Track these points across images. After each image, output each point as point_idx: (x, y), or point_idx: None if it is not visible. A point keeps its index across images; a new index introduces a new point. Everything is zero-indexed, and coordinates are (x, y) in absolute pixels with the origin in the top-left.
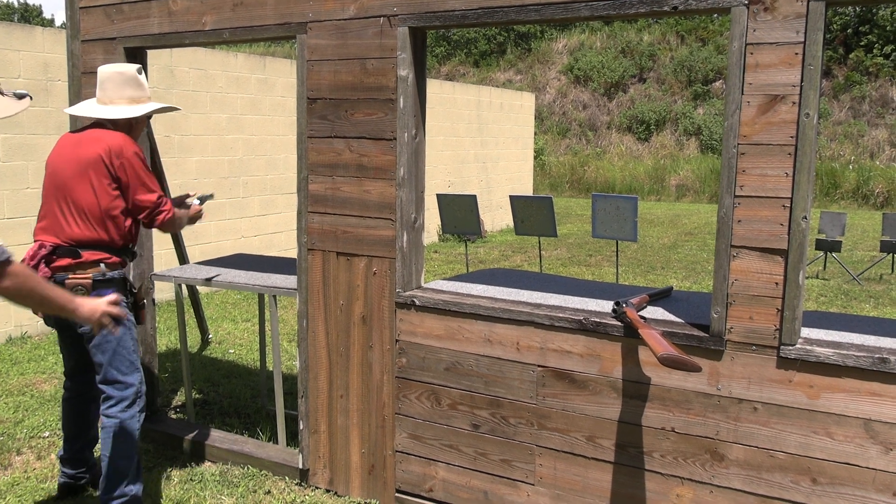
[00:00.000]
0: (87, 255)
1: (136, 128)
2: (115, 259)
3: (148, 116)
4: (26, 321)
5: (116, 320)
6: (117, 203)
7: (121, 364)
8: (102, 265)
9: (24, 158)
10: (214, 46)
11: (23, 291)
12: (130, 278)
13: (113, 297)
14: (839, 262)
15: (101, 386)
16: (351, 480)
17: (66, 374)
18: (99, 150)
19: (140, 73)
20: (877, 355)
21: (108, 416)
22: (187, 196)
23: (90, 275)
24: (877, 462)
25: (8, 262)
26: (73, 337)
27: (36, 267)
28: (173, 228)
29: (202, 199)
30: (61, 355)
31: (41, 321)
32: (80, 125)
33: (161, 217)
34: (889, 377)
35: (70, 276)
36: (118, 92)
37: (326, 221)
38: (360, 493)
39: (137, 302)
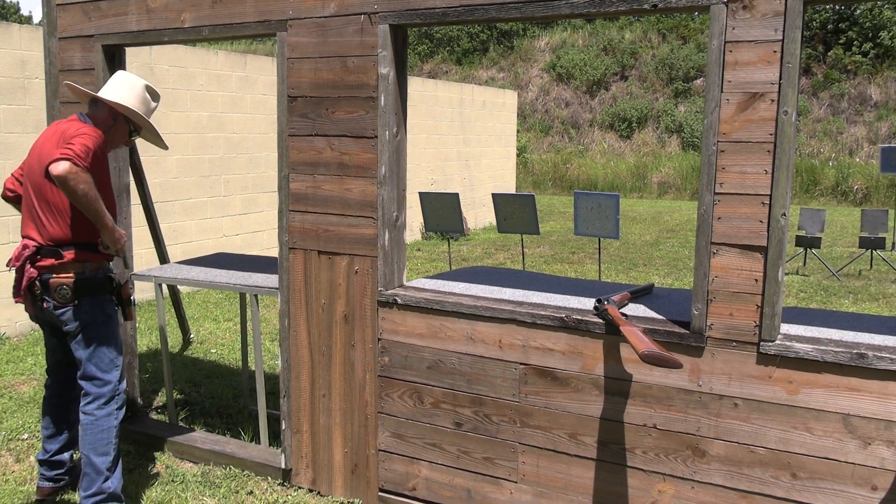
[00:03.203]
0: (69, 255)
1: (112, 129)
2: (97, 257)
3: (129, 132)
4: (3, 323)
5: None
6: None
7: (100, 361)
8: (85, 265)
9: (1, 157)
10: (194, 44)
11: (90, 200)
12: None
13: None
14: (819, 258)
15: (79, 381)
16: (334, 480)
17: (47, 370)
18: (62, 149)
19: (150, 94)
20: (855, 351)
21: (84, 413)
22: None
23: (72, 275)
24: (855, 456)
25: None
26: (57, 332)
27: (22, 267)
28: (80, 198)
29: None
30: (45, 351)
31: (19, 322)
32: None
33: (74, 160)
34: (867, 372)
35: (54, 276)
36: (118, 88)
37: (308, 220)
38: (343, 493)
39: (124, 299)
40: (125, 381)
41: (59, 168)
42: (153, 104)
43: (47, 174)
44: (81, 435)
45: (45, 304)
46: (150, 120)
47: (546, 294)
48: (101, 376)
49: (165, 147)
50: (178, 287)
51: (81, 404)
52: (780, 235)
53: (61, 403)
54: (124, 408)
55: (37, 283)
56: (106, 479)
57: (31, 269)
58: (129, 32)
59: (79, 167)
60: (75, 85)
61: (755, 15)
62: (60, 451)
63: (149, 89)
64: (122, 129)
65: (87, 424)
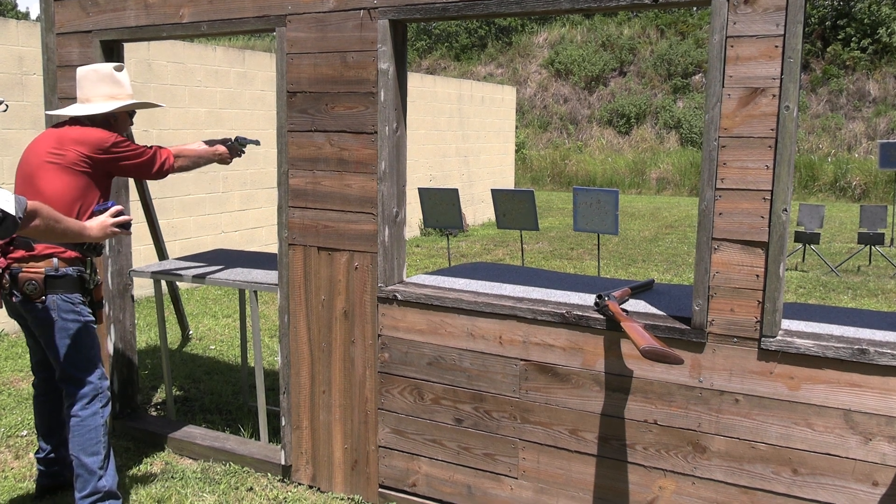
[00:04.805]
0: (40, 248)
1: (115, 126)
2: (70, 254)
3: (130, 114)
4: (2, 319)
5: (124, 226)
6: (78, 198)
7: (76, 361)
8: (55, 259)
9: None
10: (193, 39)
11: (49, 227)
12: (108, 275)
13: (115, 208)
14: (818, 253)
15: (59, 384)
16: (334, 476)
17: (32, 369)
18: (78, 147)
19: (118, 71)
20: (856, 346)
21: (69, 415)
22: (226, 140)
23: (42, 269)
24: (856, 452)
25: (27, 205)
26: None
27: None
28: (188, 168)
29: (241, 142)
30: (28, 350)
31: None
32: (57, 121)
33: (167, 167)
34: (868, 368)
35: (24, 269)
36: (94, 90)
37: (307, 216)
38: (343, 489)
39: (95, 300)
40: (107, 377)
41: (167, 166)
42: (127, 78)
43: (46, 170)
44: (70, 437)
45: (13, 298)
46: (134, 100)
47: (546, 290)
48: (79, 376)
49: (161, 105)
50: (177, 283)
51: (65, 406)
52: (782, 231)
53: (50, 401)
54: (110, 405)
55: (6, 275)
56: (100, 479)
57: (1, 260)
58: (127, 28)
59: (171, 157)
60: (59, 112)
61: (756, 10)
62: (57, 448)
63: (117, 69)
64: (123, 119)
65: (74, 426)
